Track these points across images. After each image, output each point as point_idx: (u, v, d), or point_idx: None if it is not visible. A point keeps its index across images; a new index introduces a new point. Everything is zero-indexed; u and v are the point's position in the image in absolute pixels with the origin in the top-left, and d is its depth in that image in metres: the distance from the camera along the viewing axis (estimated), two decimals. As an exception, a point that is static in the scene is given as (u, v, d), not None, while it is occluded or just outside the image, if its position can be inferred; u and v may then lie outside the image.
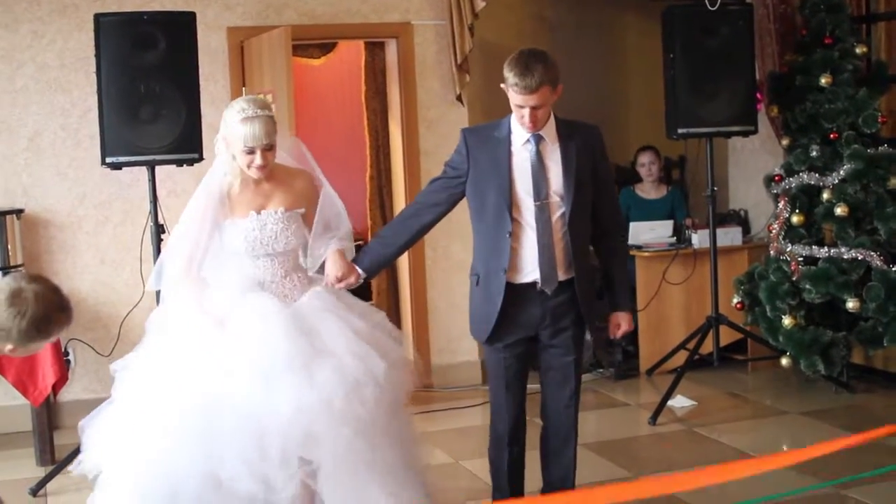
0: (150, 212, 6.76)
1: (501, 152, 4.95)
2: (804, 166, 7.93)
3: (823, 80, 7.88)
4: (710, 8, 7.77)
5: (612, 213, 5.26)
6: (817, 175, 7.86)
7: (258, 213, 4.84)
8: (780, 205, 8.00)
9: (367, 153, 9.35)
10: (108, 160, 6.58)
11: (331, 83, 10.62)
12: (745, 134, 7.99)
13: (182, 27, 6.66)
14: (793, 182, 7.93)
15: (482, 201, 4.98)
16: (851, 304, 7.58)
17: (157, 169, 6.78)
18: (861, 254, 7.58)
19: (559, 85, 4.92)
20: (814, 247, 7.79)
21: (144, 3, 7.57)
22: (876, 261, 7.55)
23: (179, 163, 6.79)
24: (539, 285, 4.96)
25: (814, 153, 7.90)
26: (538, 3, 9.43)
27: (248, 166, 4.76)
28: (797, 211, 7.93)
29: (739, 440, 6.78)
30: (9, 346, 3.73)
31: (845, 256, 7.63)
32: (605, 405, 7.97)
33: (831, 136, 7.88)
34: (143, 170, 6.79)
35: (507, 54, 9.10)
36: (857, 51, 8.03)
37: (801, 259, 7.81)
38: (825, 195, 7.81)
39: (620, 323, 5.27)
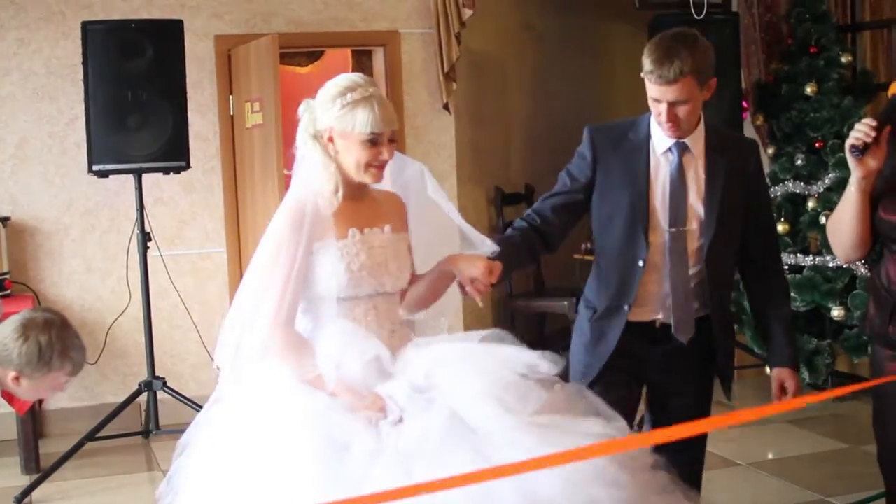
0: (136, 220, 6.78)
1: (639, 159, 4.03)
2: (790, 175, 7.96)
3: (809, 89, 7.91)
4: (696, 17, 7.80)
5: (769, 247, 4.25)
6: (803, 183, 7.89)
7: (361, 231, 3.60)
8: (766, 213, 8.01)
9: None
10: (95, 168, 6.60)
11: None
12: (731, 142, 8.01)
13: (169, 35, 6.68)
14: (778, 190, 7.96)
15: (610, 219, 4.07)
16: (836, 313, 7.61)
17: (144, 177, 6.79)
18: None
19: (712, 79, 3.97)
20: (799, 255, 7.82)
21: (132, 10, 7.57)
22: (861, 269, 7.58)
23: (166, 171, 6.81)
24: (659, 323, 4.11)
25: (799, 162, 7.93)
26: (525, 11, 9.46)
27: (369, 165, 3.56)
28: (783, 219, 7.95)
29: (725, 448, 6.79)
30: (12, 374, 3.71)
31: (830, 265, 7.67)
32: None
33: (817, 144, 7.91)
34: (130, 177, 6.80)
35: (494, 63, 9.19)
36: (843, 60, 8.06)
37: (786, 267, 7.84)
38: (810, 204, 7.84)
39: (785, 382, 4.22)
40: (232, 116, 7.81)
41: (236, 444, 3.40)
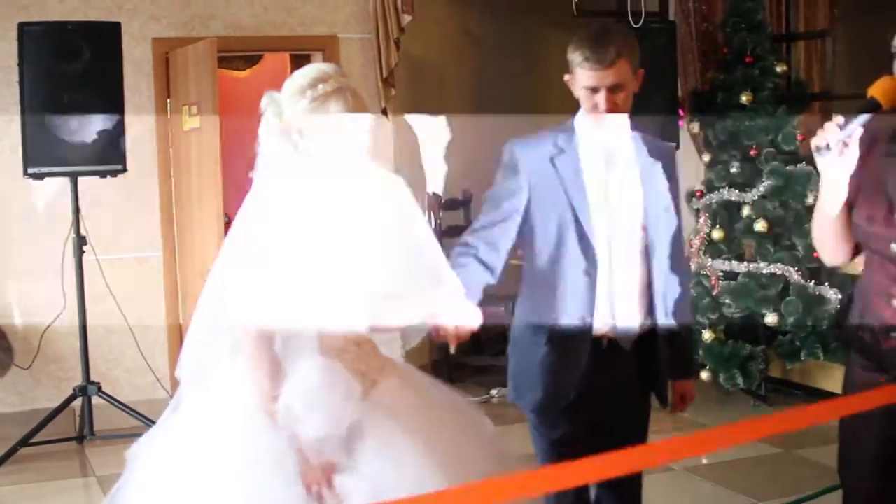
0: (72, 223, 6.72)
1: (570, 164, 3.81)
2: (725, 182, 8.03)
3: (744, 98, 7.98)
4: (633, 25, 7.86)
5: (679, 255, 4.04)
6: (737, 191, 7.96)
7: None
8: (701, 220, 8.09)
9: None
10: (31, 171, 6.55)
11: (256, 95, 10.52)
12: (667, 150, 8.09)
13: (107, 37, 6.64)
14: (713, 198, 8.03)
15: (548, 230, 3.80)
16: (770, 319, 7.69)
17: (80, 180, 6.74)
18: (780, 269, 7.70)
19: (640, 70, 3.85)
20: (734, 262, 7.88)
21: (68, 12, 7.49)
22: (794, 276, 7.67)
23: (103, 174, 6.77)
24: (605, 339, 3.86)
25: (734, 169, 8.00)
26: (464, 17, 9.48)
27: None
28: (718, 226, 8.02)
29: (660, 453, 6.84)
30: None
31: (764, 272, 7.75)
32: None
33: (751, 152, 7.98)
34: (66, 181, 6.75)
35: (433, 68, 9.18)
36: (778, 69, 8.14)
37: (721, 274, 7.91)
38: (745, 211, 7.91)
39: (685, 393, 4.13)
40: (169, 120, 7.77)
41: (186, 468, 3.25)
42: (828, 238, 3.53)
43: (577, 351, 3.79)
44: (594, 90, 3.74)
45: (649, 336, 3.91)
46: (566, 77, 3.84)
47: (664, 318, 3.89)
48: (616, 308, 3.82)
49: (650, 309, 3.87)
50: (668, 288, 3.92)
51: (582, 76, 3.76)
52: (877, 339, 3.46)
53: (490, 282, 3.86)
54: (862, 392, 3.51)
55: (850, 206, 3.45)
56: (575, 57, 3.77)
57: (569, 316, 3.79)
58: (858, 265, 3.65)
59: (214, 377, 3.38)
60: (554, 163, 3.81)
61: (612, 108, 3.74)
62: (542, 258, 3.84)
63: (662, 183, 3.89)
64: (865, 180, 3.44)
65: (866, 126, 3.35)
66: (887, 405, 3.40)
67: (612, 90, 3.73)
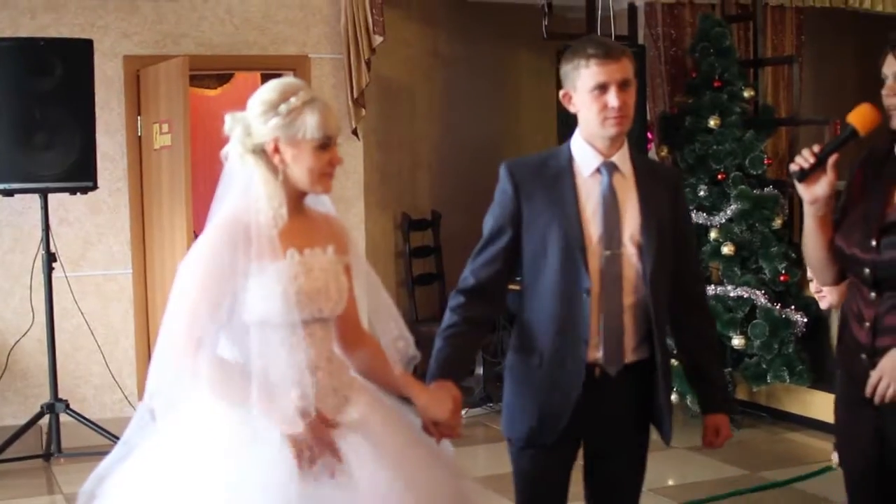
0: (41, 240, 6.71)
1: (565, 184, 3.67)
2: (692, 206, 8.07)
3: (712, 122, 8.04)
4: (603, 49, 7.91)
5: (697, 280, 3.95)
6: (705, 214, 8.02)
7: (300, 252, 3.25)
8: (669, 243, 8.13)
9: (262, 185, 9.33)
10: (1, 187, 6.52)
11: (227, 110, 10.57)
12: (636, 173, 8.16)
13: (78, 54, 6.65)
14: (681, 221, 8.08)
15: (543, 251, 3.67)
16: (737, 342, 7.74)
17: (50, 196, 6.73)
18: (746, 292, 7.76)
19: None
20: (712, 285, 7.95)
21: (40, 29, 7.51)
22: (761, 299, 7.73)
23: (73, 191, 6.76)
24: (598, 367, 3.67)
25: (702, 193, 8.06)
26: (434, 39, 9.53)
27: (322, 172, 3.26)
28: (685, 249, 8.07)
29: (627, 474, 6.87)
30: None
31: (731, 294, 7.80)
32: (494, 439, 8.01)
33: (719, 176, 8.04)
34: (36, 197, 6.74)
35: (403, 89, 9.22)
36: (745, 94, 8.22)
37: (688, 296, 7.96)
38: (713, 234, 7.97)
39: (720, 428, 3.88)
40: (140, 137, 7.77)
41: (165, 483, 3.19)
42: (813, 259, 3.59)
43: (573, 378, 3.63)
44: (603, 88, 3.55)
45: (648, 365, 3.73)
46: (561, 93, 3.68)
47: (662, 346, 3.71)
48: (608, 333, 3.65)
49: (647, 336, 3.70)
50: (684, 315, 3.81)
51: (589, 75, 3.56)
52: (852, 359, 3.53)
53: (486, 327, 3.85)
54: (847, 409, 3.61)
55: (835, 229, 3.52)
56: (578, 60, 3.58)
57: (564, 341, 3.65)
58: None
59: (185, 401, 3.29)
60: (548, 184, 3.68)
61: (623, 107, 3.57)
62: (537, 281, 3.70)
63: (665, 207, 3.73)
64: (848, 205, 3.52)
65: (861, 152, 3.42)
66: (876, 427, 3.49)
67: (622, 86, 3.56)
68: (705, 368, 3.89)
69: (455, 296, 3.76)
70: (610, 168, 3.65)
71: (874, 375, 3.36)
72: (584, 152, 3.68)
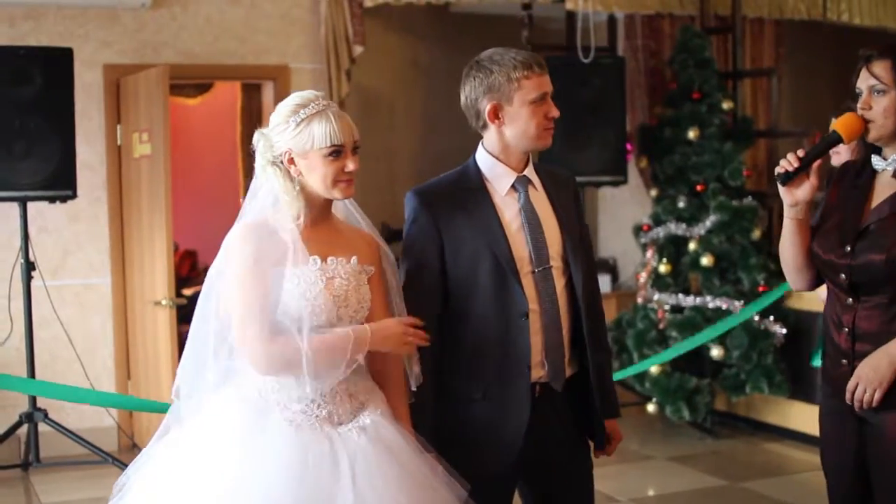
0: (20, 248, 6.68)
1: (483, 206, 3.59)
2: (672, 217, 8.11)
3: (691, 134, 8.08)
4: (583, 60, 7.94)
5: (595, 282, 3.87)
6: (684, 225, 8.05)
7: (324, 259, 3.36)
8: (648, 254, 8.16)
9: (242, 194, 9.33)
10: (-21, 195, 6.50)
11: (206, 123, 10.59)
12: (615, 184, 8.20)
13: (58, 63, 6.63)
14: (660, 232, 8.11)
15: (471, 278, 3.57)
16: (716, 352, 7.77)
17: (29, 205, 6.71)
18: (725, 303, 7.78)
19: None
20: (680, 295, 7.96)
21: (19, 37, 7.49)
22: (739, 310, 7.75)
23: (52, 199, 6.74)
24: (538, 385, 3.61)
25: (681, 204, 8.09)
26: (413, 49, 9.53)
27: (336, 179, 3.36)
28: (664, 260, 8.10)
29: (606, 485, 6.87)
30: None
31: (710, 305, 7.83)
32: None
33: (698, 187, 8.07)
34: (14, 205, 6.71)
35: (383, 99, 9.21)
36: (724, 106, 8.26)
37: (667, 307, 7.99)
38: (692, 245, 8.00)
39: (615, 432, 3.88)
40: (119, 146, 7.75)
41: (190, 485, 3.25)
42: (789, 263, 3.63)
43: (519, 404, 3.57)
44: (543, 98, 3.59)
45: (579, 376, 3.71)
46: (489, 106, 3.59)
47: (593, 357, 3.69)
48: (551, 350, 3.60)
49: (580, 347, 3.69)
50: (590, 324, 3.71)
51: (531, 86, 3.56)
52: (833, 366, 3.56)
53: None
54: (828, 419, 3.63)
55: (813, 234, 3.57)
56: (513, 72, 3.55)
57: (506, 367, 3.57)
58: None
59: (207, 401, 3.41)
60: (466, 207, 3.59)
61: (557, 115, 3.62)
62: (467, 308, 3.59)
63: (572, 212, 3.74)
64: (826, 212, 3.58)
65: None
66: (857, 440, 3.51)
67: (552, 97, 3.63)
68: (604, 373, 3.80)
69: None
70: (524, 183, 3.64)
71: (851, 381, 3.41)
72: (496, 169, 3.65)
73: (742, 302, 7.76)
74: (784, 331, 7.72)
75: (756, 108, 9.19)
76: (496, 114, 3.60)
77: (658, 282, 8.11)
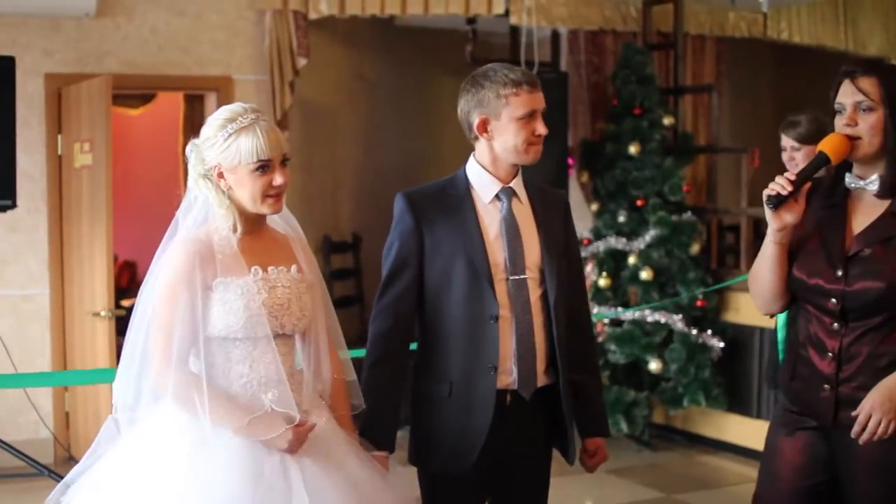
0: (-42, 258, 6.64)
1: (466, 211, 3.72)
2: (612, 231, 8.17)
3: (632, 149, 8.13)
4: (525, 75, 7.99)
5: (585, 304, 3.99)
6: (625, 239, 8.11)
7: (264, 269, 3.38)
8: (588, 267, 8.21)
9: (184, 205, 9.29)
10: (-83, 204, 6.44)
11: (148, 134, 10.55)
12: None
13: (0, 71, 6.57)
14: (601, 246, 8.17)
15: (447, 279, 3.68)
16: (654, 366, 7.83)
17: (-33, 215, 6.66)
18: (664, 317, 7.85)
19: None
20: (619, 309, 8.02)
21: (-41, 45, 7.44)
22: (678, 324, 7.82)
23: (-9, 209, 6.68)
24: (509, 393, 3.69)
25: (621, 218, 8.15)
26: (359, 62, 9.56)
27: (264, 194, 3.36)
28: (604, 274, 8.16)
29: (545, 497, 6.91)
30: None
31: (649, 319, 7.89)
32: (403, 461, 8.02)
33: (638, 202, 8.13)
34: (-47, 215, 6.66)
35: (327, 111, 9.20)
36: (665, 121, 8.33)
37: (606, 321, 8.05)
38: (631, 259, 8.06)
39: (598, 450, 3.95)
40: (60, 156, 7.70)
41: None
42: (765, 288, 3.58)
43: (483, 405, 3.65)
44: (531, 115, 3.68)
45: (554, 388, 3.77)
46: (477, 119, 3.71)
47: (565, 369, 3.76)
48: (522, 358, 3.68)
49: (553, 361, 3.75)
50: (567, 340, 3.77)
51: (520, 103, 3.66)
52: (809, 390, 3.52)
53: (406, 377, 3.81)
54: (785, 432, 3.60)
55: (791, 258, 3.53)
56: (503, 88, 3.66)
57: (473, 369, 3.67)
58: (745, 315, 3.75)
59: (149, 413, 3.40)
60: (449, 212, 3.72)
61: (544, 132, 3.70)
62: (442, 310, 3.71)
63: (558, 229, 3.83)
64: (804, 234, 3.52)
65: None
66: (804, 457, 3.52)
67: (542, 114, 3.72)
68: (591, 392, 3.92)
69: (377, 343, 3.75)
70: (509, 194, 3.74)
71: (862, 414, 3.31)
72: (483, 179, 3.76)
73: (681, 316, 7.83)
74: (722, 345, 7.81)
75: (697, 124, 9.28)
76: (485, 127, 3.72)
77: (598, 295, 8.16)
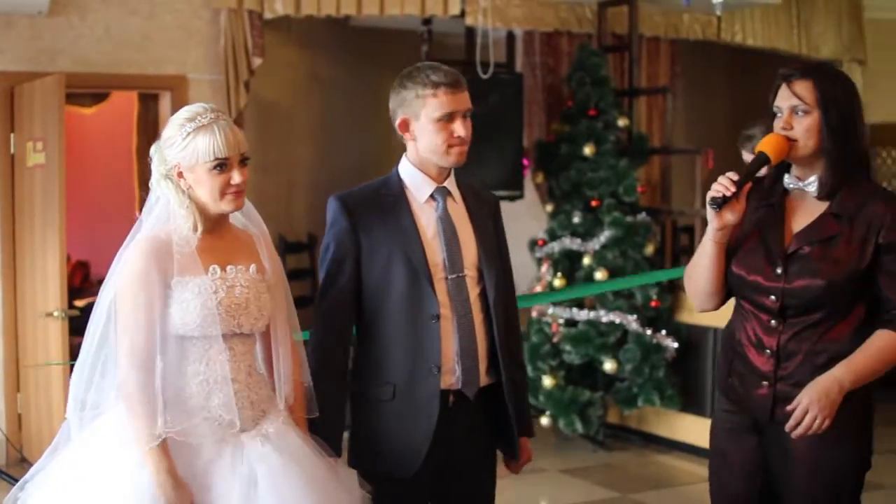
0: None
1: (401, 213, 3.70)
2: (567, 231, 8.20)
3: (587, 150, 8.16)
4: (482, 76, 8.01)
5: (514, 303, 3.99)
6: (579, 240, 8.14)
7: (223, 268, 3.39)
8: (543, 268, 8.24)
9: (137, 205, 9.25)
10: None
11: (102, 133, 10.47)
12: (512, 198, 8.26)
13: (-49, 70, 6.53)
14: (556, 246, 8.19)
15: (385, 281, 3.66)
16: (609, 366, 7.87)
17: (-81, 214, 6.60)
18: (619, 317, 7.89)
19: None
20: (574, 309, 8.05)
21: (-90, 43, 7.37)
22: (632, 324, 7.86)
23: (-58, 209, 6.63)
24: (451, 394, 3.68)
25: (576, 219, 8.18)
26: (314, 62, 9.55)
27: (222, 193, 3.36)
28: (559, 274, 8.18)
29: (499, 498, 6.85)
30: None
31: (604, 319, 7.93)
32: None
33: (593, 203, 8.16)
34: None
35: (282, 111, 9.18)
36: (620, 123, 8.37)
37: (561, 321, 8.07)
38: (586, 260, 8.09)
39: (523, 451, 3.96)
40: (13, 155, 7.63)
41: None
42: (701, 286, 3.62)
43: (428, 406, 3.63)
44: (451, 117, 3.67)
45: (495, 387, 3.77)
46: (398, 121, 3.72)
47: (507, 368, 3.76)
48: (464, 357, 3.67)
49: (494, 359, 3.75)
50: (506, 339, 3.78)
51: (437, 105, 3.65)
52: (746, 387, 3.55)
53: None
54: (727, 435, 3.63)
55: (730, 255, 3.57)
56: (422, 88, 3.65)
57: (416, 370, 3.65)
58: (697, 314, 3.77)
59: (101, 415, 3.40)
60: (385, 213, 3.70)
61: (468, 136, 3.69)
62: (380, 312, 3.69)
63: (491, 230, 3.86)
64: (743, 232, 3.57)
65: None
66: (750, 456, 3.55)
67: (465, 115, 3.70)
68: (519, 391, 3.90)
69: (319, 352, 3.71)
70: (443, 193, 3.75)
71: (799, 409, 3.32)
72: (416, 179, 3.76)
73: (635, 317, 7.87)
74: (676, 345, 7.85)
75: (651, 126, 9.32)
76: (407, 128, 3.72)
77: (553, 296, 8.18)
